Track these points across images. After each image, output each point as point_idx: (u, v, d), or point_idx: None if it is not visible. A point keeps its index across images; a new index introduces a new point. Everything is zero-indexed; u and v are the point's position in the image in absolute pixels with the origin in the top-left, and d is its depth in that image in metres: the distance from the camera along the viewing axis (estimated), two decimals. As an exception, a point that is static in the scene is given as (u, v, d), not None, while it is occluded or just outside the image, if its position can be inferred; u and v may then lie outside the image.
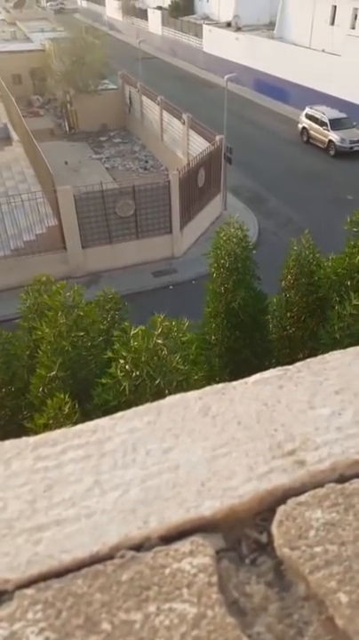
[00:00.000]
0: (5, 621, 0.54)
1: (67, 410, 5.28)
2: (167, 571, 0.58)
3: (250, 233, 7.60)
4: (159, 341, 5.14)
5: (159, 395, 4.94)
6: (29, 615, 0.55)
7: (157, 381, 4.96)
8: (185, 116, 22.84)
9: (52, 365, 5.86)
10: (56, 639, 0.53)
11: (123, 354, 5.13)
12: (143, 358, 5.05)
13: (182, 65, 46.25)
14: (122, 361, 5.13)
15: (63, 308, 6.05)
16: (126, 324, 5.73)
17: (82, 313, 6.14)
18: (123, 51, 43.92)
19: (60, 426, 5.12)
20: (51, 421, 5.25)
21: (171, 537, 0.62)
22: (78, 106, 29.61)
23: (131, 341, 5.16)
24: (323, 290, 6.98)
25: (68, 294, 6.29)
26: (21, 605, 0.56)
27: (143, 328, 5.30)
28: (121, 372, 5.11)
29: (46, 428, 5.22)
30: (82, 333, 6.03)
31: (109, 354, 5.33)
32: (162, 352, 5.12)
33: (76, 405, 5.41)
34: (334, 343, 5.96)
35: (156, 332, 5.22)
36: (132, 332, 5.24)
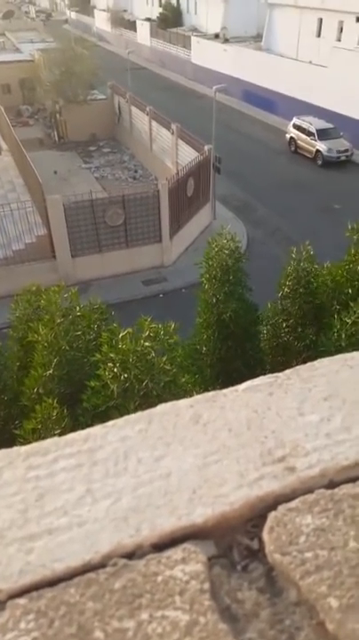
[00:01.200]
0: None
1: (55, 415, 5.26)
2: (159, 578, 0.58)
3: (240, 244, 7.63)
4: (147, 344, 5.16)
5: (147, 397, 4.95)
6: (22, 625, 0.54)
7: (145, 382, 4.97)
8: (174, 126, 22.98)
9: (49, 365, 5.85)
10: None
11: (112, 356, 5.14)
12: (131, 360, 5.06)
13: (171, 76, 46.60)
14: (110, 364, 5.13)
15: (60, 309, 6.07)
16: (114, 325, 5.75)
17: (79, 314, 6.18)
18: (112, 61, 44.18)
19: (49, 431, 5.11)
20: (39, 426, 5.22)
21: (163, 544, 0.62)
22: (67, 116, 29.69)
23: (119, 344, 5.18)
24: (321, 298, 7.02)
25: (66, 296, 6.32)
26: (14, 615, 0.55)
27: (130, 330, 5.33)
28: (109, 374, 5.11)
29: (35, 433, 5.19)
30: (79, 333, 6.04)
31: (98, 356, 5.34)
32: (149, 354, 5.14)
33: (65, 411, 5.39)
34: (338, 351, 5.94)
35: (144, 335, 5.24)
36: (120, 335, 5.27)
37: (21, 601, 0.57)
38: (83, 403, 5.43)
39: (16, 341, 6.97)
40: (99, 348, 5.45)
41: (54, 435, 0.81)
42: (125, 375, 5.04)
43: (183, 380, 5.48)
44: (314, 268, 7.18)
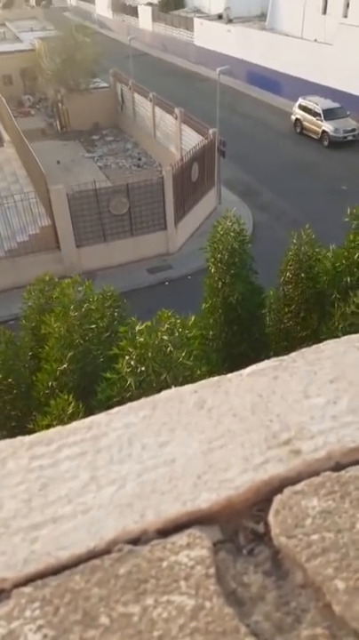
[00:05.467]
0: (3, 620, 0.54)
1: (70, 410, 5.28)
2: (164, 563, 0.58)
3: (245, 227, 7.60)
4: (165, 337, 5.16)
5: (164, 390, 4.93)
6: (27, 613, 0.55)
7: (163, 377, 4.97)
8: (177, 111, 22.78)
9: (63, 359, 5.88)
10: (54, 636, 0.53)
11: (130, 350, 5.14)
12: (149, 354, 5.07)
13: (174, 60, 46.05)
14: (127, 357, 5.14)
15: (73, 302, 6.09)
16: (133, 319, 5.76)
17: (93, 307, 6.20)
18: (113, 48, 43.70)
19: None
20: (54, 422, 5.24)
21: (168, 530, 0.62)
22: (69, 105, 29.50)
23: (137, 337, 5.18)
24: (322, 284, 6.98)
25: (80, 289, 6.33)
26: (19, 604, 0.56)
27: (149, 324, 5.33)
28: (127, 367, 5.13)
29: (49, 428, 5.19)
30: (93, 326, 6.07)
31: (115, 350, 5.35)
32: (167, 348, 5.14)
33: (80, 405, 5.40)
34: None
35: (162, 329, 5.24)
36: (138, 328, 5.27)
37: (26, 589, 0.57)
38: (97, 395, 5.46)
39: (28, 331, 6.99)
40: (114, 339, 5.46)
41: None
42: (143, 368, 5.04)
43: (199, 372, 5.48)
44: (315, 252, 7.13)
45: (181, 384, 4.26)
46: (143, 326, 5.31)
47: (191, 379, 5.21)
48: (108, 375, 5.33)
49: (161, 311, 5.48)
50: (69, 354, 5.86)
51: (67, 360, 5.85)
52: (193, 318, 5.60)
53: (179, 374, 5.09)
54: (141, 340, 5.13)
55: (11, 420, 6.73)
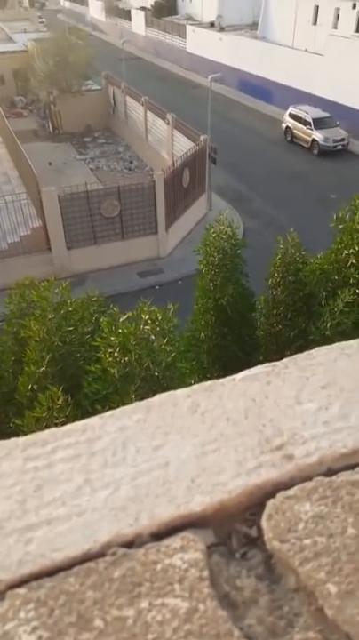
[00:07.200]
0: None
1: (60, 402, 5.24)
2: (159, 566, 0.58)
3: (237, 231, 7.69)
4: (146, 327, 5.18)
5: (148, 380, 4.96)
6: (22, 614, 0.55)
7: (146, 364, 4.97)
8: (169, 117, 22.85)
9: (41, 361, 5.83)
10: (49, 637, 0.53)
11: (112, 338, 5.14)
12: (132, 341, 5.08)
13: (166, 65, 46.25)
14: (110, 349, 5.14)
15: (51, 304, 6.04)
16: (115, 309, 5.74)
17: (71, 309, 6.15)
18: (106, 51, 43.76)
19: (54, 419, 5.10)
20: (44, 414, 5.19)
21: (162, 533, 0.62)
22: (62, 106, 29.46)
23: (119, 328, 5.20)
24: (310, 286, 7.03)
25: (57, 291, 6.29)
26: (13, 605, 0.56)
27: (131, 314, 5.34)
28: (110, 357, 5.13)
29: (38, 422, 5.17)
30: (71, 328, 6.02)
31: (98, 340, 5.34)
32: (149, 337, 5.17)
33: (69, 399, 5.38)
34: (324, 340, 5.97)
35: (144, 319, 5.26)
36: (121, 320, 5.29)
37: (21, 591, 0.57)
38: (83, 388, 5.46)
39: (10, 336, 6.93)
40: (97, 339, 5.45)
41: (59, 423, 0.81)
42: (126, 359, 5.05)
43: (180, 365, 5.52)
44: (301, 255, 7.18)
45: (164, 371, 4.25)
46: (125, 317, 5.34)
47: (174, 367, 5.24)
48: (93, 368, 5.32)
49: (141, 302, 5.50)
50: (48, 356, 5.81)
51: (47, 363, 5.80)
52: (172, 309, 5.61)
53: (161, 359, 5.12)
54: (124, 329, 5.15)
55: None
